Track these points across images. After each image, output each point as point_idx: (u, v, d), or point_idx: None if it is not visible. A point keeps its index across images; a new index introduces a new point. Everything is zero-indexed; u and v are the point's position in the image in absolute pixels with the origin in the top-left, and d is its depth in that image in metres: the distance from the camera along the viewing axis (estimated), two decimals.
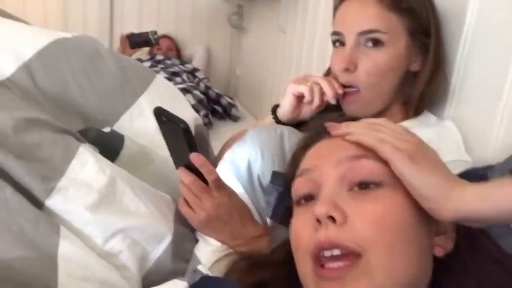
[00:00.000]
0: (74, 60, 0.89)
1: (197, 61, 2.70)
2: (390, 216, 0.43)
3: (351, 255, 0.42)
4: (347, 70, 0.78)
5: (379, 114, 0.82)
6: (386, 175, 0.45)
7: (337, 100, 0.80)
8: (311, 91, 0.79)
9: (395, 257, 0.42)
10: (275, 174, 0.68)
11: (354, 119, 0.54)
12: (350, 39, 0.78)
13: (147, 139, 0.86)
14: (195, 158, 0.62)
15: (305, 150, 0.54)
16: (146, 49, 2.65)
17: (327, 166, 0.47)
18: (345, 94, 0.79)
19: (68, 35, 0.94)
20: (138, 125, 0.89)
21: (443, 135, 0.78)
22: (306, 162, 0.52)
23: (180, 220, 0.72)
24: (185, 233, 0.73)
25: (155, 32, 2.18)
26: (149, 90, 0.95)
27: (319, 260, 0.43)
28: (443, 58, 0.83)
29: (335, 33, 0.82)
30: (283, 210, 0.61)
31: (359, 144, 0.47)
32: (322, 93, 0.79)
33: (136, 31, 2.29)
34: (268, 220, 0.69)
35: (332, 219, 0.43)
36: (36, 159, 0.65)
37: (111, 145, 0.79)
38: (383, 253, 0.41)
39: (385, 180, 0.45)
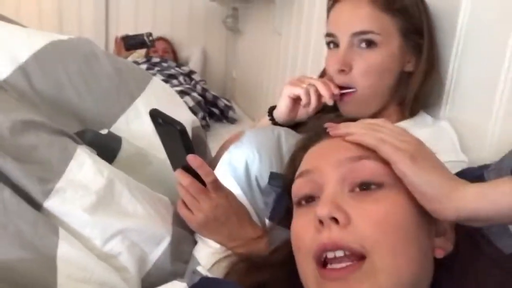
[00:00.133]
0: (70, 62, 0.89)
1: (193, 64, 2.70)
2: (392, 217, 0.43)
3: (354, 256, 0.42)
4: (341, 71, 0.78)
5: (375, 115, 0.82)
6: (387, 175, 0.45)
7: (334, 101, 0.80)
8: (307, 94, 0.79)
9: (398, 258, 0.42)
10: (273, 175, 0.68)
11: (351, 119, 0.54)
12: (343, 41, 0.79)
13: (144, 141, 0.86)
14: (192, 159, 0.62)
15: (304, 151, 0.54)
16: (142, 51, 2.65)
17: (327, 167, 0.47)
18: (341, 95, 0.80)
19: (64, 37, 0.94)
20: (135, 127, 0.89)
21: (439, 135, 0.79)
22: (306, 163, 0.52)
23: (179, 222, 0.72)
24: (184, 235, 0.73)
25: (150, 34, 2.17)
26: (145, 92, 0.95)
27: (321, 261, 0.43)
28: (436, 58, 0.83)
29: (328, 34, 0.82)
30: (282, 211, 0.62)
31: (359, 145, 0.48)
32: (318, 95, 0.79)
33: (131, 33, 2.29)
34: (267, 221, 0.69)
35: (335, 220, 0.43)
36: (33, 161, 0.65)
37: (108, 147, 0.79)
38: (387, 255, 0.41)
39: (386, 181, 0.45)
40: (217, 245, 0.69)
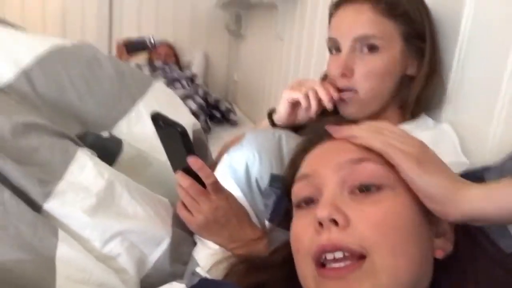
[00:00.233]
0: (73, 66, 0.90)
1: (196, 68, 2.72)
2: (392, 218, 0.43)
3: (354, 257, 0.42)
4: (344, 75, 0.79)
5: (375, 116, 0.82)
6: (387, 177, 0.46)
7: (334, 105, 0.80)
8: (306, 98, 0.79)
9: (398, 259, 0.42)
10: (273, 177, 0.68)
11: (352, 122, 0.54)
12: (345, 45, 0.79)
13: (145, 144, 0.86)
14: (193, 161, 0.62)
15: (305, 153, 0.54)
16: (145, 55, 2.66)
17: (327, 170, 0.48)
18: (341, 98, 0.80)
19: (67, 42, 0.95)
20: (136, 130, 0.89)
21: (440, 137, 0.79)
22: (306, 166, 0.52)
23: (178, 223, 0.72)
24: (183, 236, 0.73)
25: (152, 38, 2.19)
26: (147, 95, 0.96)
27: (320, 263, 0.43)
28: (439, 62, 0.83)
29: (330, 39, 0.83)
30: (282, 212, 0.62)
31: (359, 147, 0.48)
32: (318, 98, 0.79)
33: (134, 37, 2.31)
34: (267, 223, 0.69)
35: (335, 222, 0.43)
36: (34, 163, 0.65)
37: (109, 149, 0.79)
38: (387, 255, 0.41)
39: (385, 183, 0.45)
40: (217, 247, 0.69)
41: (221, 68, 3.02)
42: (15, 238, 0.56)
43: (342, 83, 0.79)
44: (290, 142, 0.73)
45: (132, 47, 2.21)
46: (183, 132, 0.61)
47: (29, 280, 0.55)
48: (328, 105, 0.78)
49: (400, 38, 0.79)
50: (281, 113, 0.85)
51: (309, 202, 0.48)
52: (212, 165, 0.83)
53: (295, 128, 0.85)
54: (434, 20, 0.84)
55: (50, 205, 0.62)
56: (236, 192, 0.71)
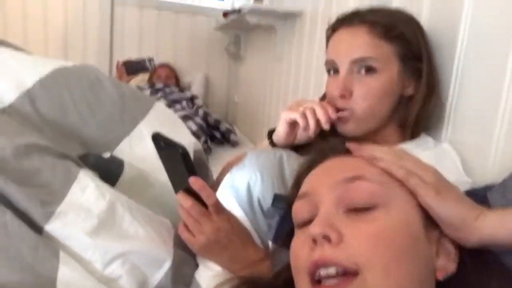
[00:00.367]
0: (75, 87, 0.90)
1: (196, 89, 2.75)
2: (385, 236, 0.43)
3: (347, 274, 0.42)
4: (342, 96, 0.79)
5: (374, 134, 0.82)
6: (381, 196, 0.46)
7: (332, 125, 0.80)
8: (304, 117, 0.79)
9: (391, 277, 0.42)
10: (276, 197, 0.68)
11: (355, 140, 0.55)
12: (343, 67, 0.80)
13: (147, 164, 0.86)
14: (194, 181, 0.62)
15: (307, 172, 0.54)
16: (146, 77, 2.69)
17: (324, 189, 0.48)
18: (339, 117, 0.80)
19: (69, 63, 0.96)
20: (138, 151, 0.90)
21: (441, 157, 0.79)
22: (306, 185, 0.53)
23: (180, 245, 0.72)
24: (185, 258, 0.72)
25: (151, 58, 2.22)
26: (148, 117, 0.96)
27: (315, 279, 0.43)
28: (436, 82, 0.84)
29: (328, 61, 0.84)
30: (286, 233, 0.61)
31: (354, 165, 0.49)
32: (316, 118, 0.79)
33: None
34: (270, 243, 0.68)
35: (328, 238, 0.43)
36: (36, 184, 0.65)
37: (111, 170, 0.79)
38: (380, 273, 0.41)
39: (380, 201, 0.46)
40: (219, 268, 0.68)
41: (221, 89, 3.05)
42: (17, 260, 0.56)
43: (341, 104, 0.80)
44: (291, 161, 0.73)
45: (132, 67, 2.24)
46: (184, 153, 0.61)
47: None
48: (326, 125, 0.78)
49: (397, 59, 0.80)
50: (280, 133, 0.85)
51: (308, 221, 0.48)
52: (213, 186, 0.83)
53: (296, 147, 0.86)
54: (430, 41, 0.86)
55: (52, 227, 0.62)
56: (238, 212, 0.71)
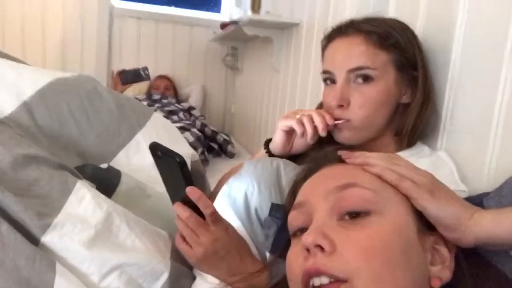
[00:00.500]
0: (73, 98, 0.91)
1: (193, 100, 2.76)
2: (377, 244, 0.43)
3: (339, 283, 0.42)
4: (340, 106, 0.80)
5: (371, 143, 0.83)
6: (374, 202, 0.46)
7: (328, 131, 0.81)
8: (300, 123, 0.79)
9: (382, 285, 0.41)
10: (274, 207, 0.67)
11: (351, 148, 0.55)
12: (340, 77, 0.81)
13: (144, 175, 0.86)
14: (191, 191, 0.62)
15: (302, 182, 0.55)
16: (144, 88, 2.70)
17: (317, 198, 0.49)
18: (335, 125, 0.80)
19: (67, 74, 0.96)
20: (135, 161, 0.90)
21: (438, 165, 0.79)
22: (300, 195, 0.53)
23: (177, 257, 0.71)
24: (182, 270, 0.71)
25: (146, 68, 2.23)
26: (146, 127, 0.96)
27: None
28: (432, 90, 0.85)
29: (325, 71, 0.85)
30: (283, 243, 0.61)
31: (345, 173, 0.49)
32: (313, 124, 0.80)
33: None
34: (267, 254, 0.68)
35: (321, 248, 0.43)
36: (33, 195, 0.65)
37: (108, 181, 0.79)
38: (370, 281, 0.41)
39: (372, 208, 0.46)
40: (216, 280, 0.67)
41: (218, 101, 3.06)
42: (13, 273, 0.55)
43: (338, 113, 0.80)
44: (288, 171, 0.73)
45: (126, 77, 2.25)
46: (181, 162, 0.60)
47: None
48: (323, 132, 0.78)
49: (393, 67, 0.80)
50: (277, 142, 0.85)
51: (303, 230, 0.49)
52: (211, 197, 0.83)
53: (293, 157, 0.86)
54: (425, 50, 0.87)
55: (48, 239, 0.61)
56: (235, 222, 0.71)
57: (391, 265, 0.42)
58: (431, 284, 0.46)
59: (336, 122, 0.80)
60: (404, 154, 0.81)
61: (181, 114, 2.26)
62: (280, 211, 0.66)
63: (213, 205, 0.65)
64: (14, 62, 0.98)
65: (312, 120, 0.79)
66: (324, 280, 0.42)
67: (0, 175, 0.64)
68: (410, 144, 0.84)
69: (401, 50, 0.81)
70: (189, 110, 2.38)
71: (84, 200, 0.68)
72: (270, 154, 0.89)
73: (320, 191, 0.49)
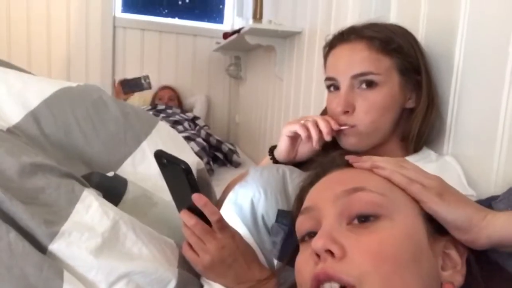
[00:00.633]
0: (79, 107, 0.92)
1: (198, 110, 2.77)
2: (387, 248, 0.43)
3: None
4: (345, 112, 0.80)
5: (377, 149, 0.83)
6: (383, 206, 0.46)
7: (334, 140, 0.80)
8: (304, 128, 0.79)
9: None
10: (280, 213, 0.67)
11: (356, 154, 0.55)
12: (344, 84, 0.81)
13: (150, 183, 0.86)
14: (197, 198, 0.62)
15: (309, 187, 0.54)
16: (148, 98, 2.71)
17: (325, 203, 0.48)
18: (340, 130, 0.80)
19: (73, 84, 0.98)
20: (141, 170, 0.90)
21: (445, 170, 0.79)
22: (308, 199, 0.53)
23: (184, 265, 0.71)
24: (189, 278, 0.71)
25: (147, 77, 2.24)
26: (151, 136, 0.97)
27: None
28: (436, 95, 0.85)
29: (328, 78, 0.85)
30: (291, 250, 0.61)
31: (354, 177, 0.49)
32: (318, 128, 0.79)
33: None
34: (275, 262, 0.67)
35: (331, 253, 0.43)
36: (40, 203, 0.65)
37: (114, 189, 0.79)
38: (379, 286, 0.41)
39: (382, 212, 0.45)
40: None
41: (222, 110, 3.08)
42: (20, 280, 0.55)
43: (343, 120, 0.80)
44: (294, 177, 0.73)
45: (127, 86, 2.26)
46: (186, 169, 0.60)
47: None
48: (327, 136, 0.78)
49: (397, 72, 0.81)
50: (282, 148, 0.85)
51: (312, 235, 0.48)
52: (217, 205, 0.83)
53: (298, 164, 0.86)
54: (428, 56, 0.87)
55: (56, 247, 0.61)
56: (242, 229, 0.70)
57: (401, 270, 0.42)
58: None
59: (341, 127, 0.80)
60: (411, 159, 0.80)
61: (186, 124, 2.26)
62: (287, 217, 0.65)
63: (219, 212, 0.65)
64: (20, 72, 0.99)
65: (316, 124, 0.79)
66: (335, 286, 0.41)
67: (7, 183, 0.65)
68: (416, 149, 0.84)
69: (404, 55, 0.81)
70: (193, 120, 2.39)
71: (91, 208, 0.68)
72: (275, 161, 0.88)
73: (328, 196, 0.48)
